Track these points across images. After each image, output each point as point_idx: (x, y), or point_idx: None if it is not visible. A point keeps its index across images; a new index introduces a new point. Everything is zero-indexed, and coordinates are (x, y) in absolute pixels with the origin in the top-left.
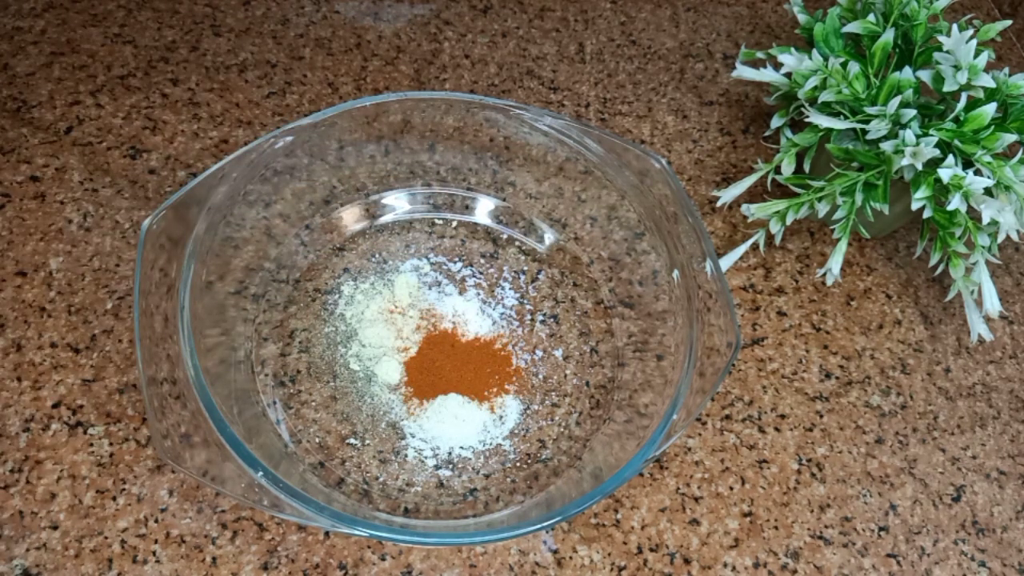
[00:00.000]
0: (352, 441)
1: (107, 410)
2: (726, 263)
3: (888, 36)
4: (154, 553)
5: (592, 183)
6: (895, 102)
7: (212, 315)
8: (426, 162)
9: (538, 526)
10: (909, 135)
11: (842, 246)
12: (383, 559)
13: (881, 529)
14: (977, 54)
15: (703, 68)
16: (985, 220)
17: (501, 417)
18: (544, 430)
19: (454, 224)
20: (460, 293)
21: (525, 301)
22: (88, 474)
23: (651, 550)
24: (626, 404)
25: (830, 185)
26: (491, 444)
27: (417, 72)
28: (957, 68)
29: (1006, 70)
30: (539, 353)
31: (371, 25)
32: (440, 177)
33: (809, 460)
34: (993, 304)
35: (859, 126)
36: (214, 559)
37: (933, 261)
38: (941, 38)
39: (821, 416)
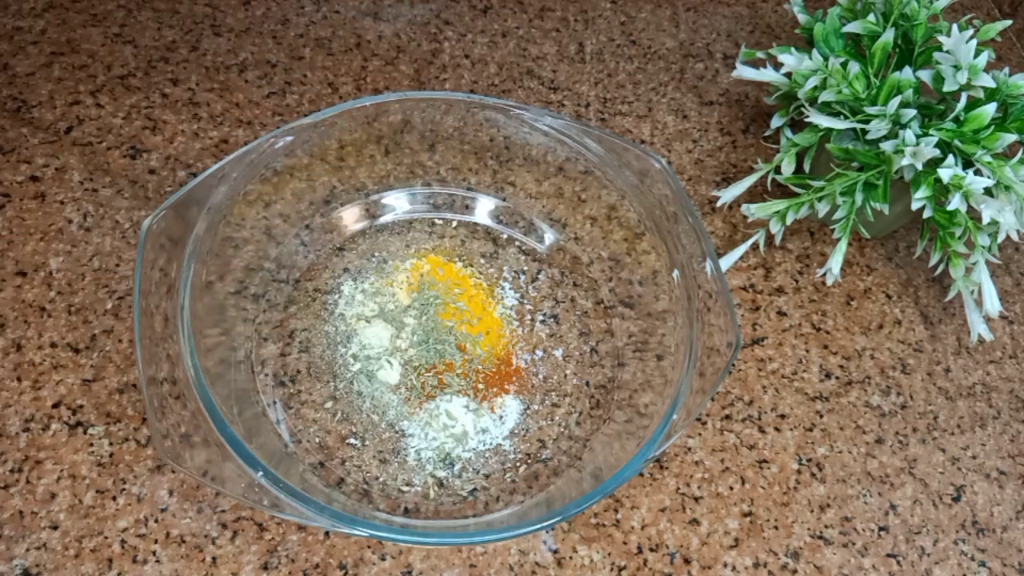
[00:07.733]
0: (352, 441)
1: (107, 410)
2: (726, 263)
3: (888, 36)
4: (154, 553)
5: (592, 183)
6: (895, 102)
7: (212, 315)
8: (426, 162)
9: (538, 526)
10: (909, 135)
11: (842, 246)
12: (383, 559)
13: (881, 529)
14: (977, 54)
15: (703, 68)
16: (985, 220)
17: (501, 417)
18: (544, 430)
19: (454, 224)
20: None
21: (525, 301)
22: (88, 474)
23: (651, 550)
24: (626, 404)
25: (830, 185)
26: (491, 444)
27: (417, 72)
28: (957, 68)
29: (1006, 70)
30: (539, 353)
31: (371, 25)
32: (440, 177)
33: (809, 460)
34: (993, 304)
35: (859, 126)
36: (214, 559)
37: (933, 261)
38: (941, 38)
39: (821, 416)
